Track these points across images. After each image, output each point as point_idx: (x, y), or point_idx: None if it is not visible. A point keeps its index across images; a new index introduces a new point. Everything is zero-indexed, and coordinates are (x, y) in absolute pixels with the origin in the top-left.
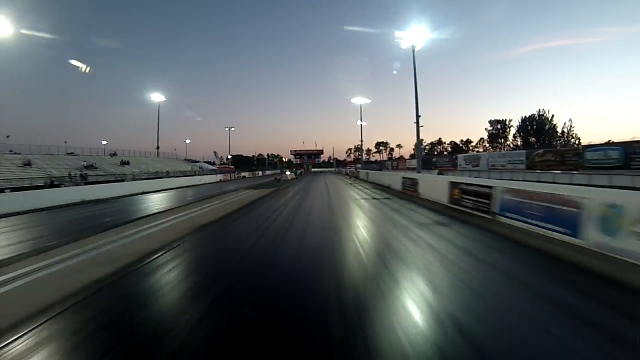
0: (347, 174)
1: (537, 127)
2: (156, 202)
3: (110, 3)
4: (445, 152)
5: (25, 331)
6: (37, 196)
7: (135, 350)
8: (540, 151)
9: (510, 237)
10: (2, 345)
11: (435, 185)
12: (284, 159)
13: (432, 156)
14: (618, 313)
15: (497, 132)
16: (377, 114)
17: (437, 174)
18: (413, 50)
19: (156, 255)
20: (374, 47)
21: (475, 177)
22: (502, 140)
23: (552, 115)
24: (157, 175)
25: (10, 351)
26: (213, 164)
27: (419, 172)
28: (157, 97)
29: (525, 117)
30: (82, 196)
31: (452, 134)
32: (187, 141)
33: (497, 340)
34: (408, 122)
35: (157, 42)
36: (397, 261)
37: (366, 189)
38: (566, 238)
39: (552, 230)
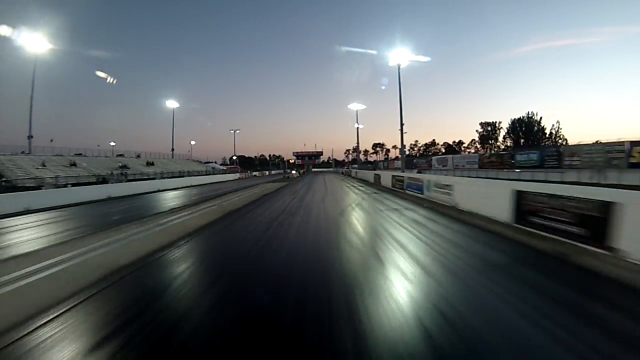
0: (342, 173)
1: (526, 129)
2: (218, 189)
3: (107, 6)
4: (439, 153)
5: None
6: (124, 187)
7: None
8: (487, 154)
9: (400, 196)
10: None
11: (387, 178)
12: (285, 160)
13: (414, 157)
14: (426, 211)
15: (487, 133)
16: (376, 116)
17: (417, 173)
18: (399, 68)
19: (254, 202)
20: (373, 54)
21: (445, 175)
22: (493, 141)
23: (541, 118)
24: (181, 174)
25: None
26: (216, 164)
27: (403, 172)
28: (171, 103)
29: (515, 119)
30: (159, 187)
31: (451, 134)
32: (192, 142)
33: (373, 212)
34: (405, 124)
35: (157, 42)
36: (348, 200)
37: (351, 182)
38: (419, 194)
39: (416, 192)
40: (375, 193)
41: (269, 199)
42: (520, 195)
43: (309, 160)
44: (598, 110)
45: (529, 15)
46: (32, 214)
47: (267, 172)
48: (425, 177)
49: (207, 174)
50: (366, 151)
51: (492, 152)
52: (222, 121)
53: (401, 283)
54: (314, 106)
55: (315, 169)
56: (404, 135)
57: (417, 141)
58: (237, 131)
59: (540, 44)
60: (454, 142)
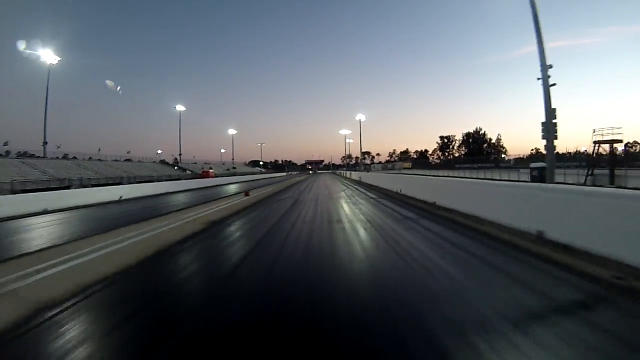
0: (334, 173)
1: (474, 140)
2: (290, 177)
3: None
4: (411, 159)
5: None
6: (245, 177)
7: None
8: (384, 164)
9: (347, 178)
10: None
11: (348, 175)
12: (294, 163)
13: (385, 163)
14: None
15: (444, 144)
16: (367, 127)
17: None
18: (360, 122)
19: (311, 175)
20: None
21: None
22: (449, 150)
23: (485, 132)
24: (253, 173)
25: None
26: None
27: (362, 172)
28: (232, 131)
29: (466, 132)
30: (254, 178)
31: (430, 142)
32: (222, 150)
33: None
34: (386, 137)
35: (164, 46)
36: (325, 180)
37: (335, 176)
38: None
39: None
40: (340, 178)
41: (311, 175)
42: (392, 178)
43: (315, 166)
44: (596, 111)
45: (524, 16)
46: (218, 186)
47: (291, 173)
48: (358, 172)
49: (259, 173)
50: (357, 158)
51: (448, 158)
52: (236, 129)
53: (338, 187)
54: (318, 120)
55: (319, 171)
56: (385, 147)
57: (395, 150)
58: (263, 144)
59: (533, 47)
60: (422, 150)
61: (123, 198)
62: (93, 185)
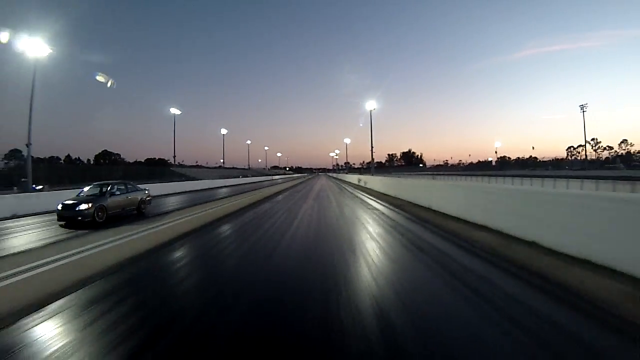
0: (326, 175)
1: (407, 157)
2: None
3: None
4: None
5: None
6: (285, 176)
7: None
8: (346, 170)
9: (329, 175)
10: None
11: (338, 175)
12: (303, 167)
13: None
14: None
15: (390, 159)
16: (355, 141)
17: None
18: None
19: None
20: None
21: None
22: (393, 162)
23: (414, 152)
24: (289, 174)
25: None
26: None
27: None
28: (279, 154)
29: (403, 151)
30: (303, 175)
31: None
32: (259, 160)
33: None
34: (363, 148)
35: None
36: (321, 177)
37: (326, 176)
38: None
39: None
40: (327, 176)
41: (317, 175)
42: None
43: (317, 170)
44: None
45: (521, 22)
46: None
47: (308, 174)
48: (335, 174)
49: (291, 174)
50: (341, 165)
51: (390, 166)
52: (241, 135)
53: (325, 180)
54: (319, 134)
55: (319, 173)
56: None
57: (364, 161)
58: (288, 158)
59: (533, 50)
60: (380, 161)
61: (272, 179)
62: (252, 175)
